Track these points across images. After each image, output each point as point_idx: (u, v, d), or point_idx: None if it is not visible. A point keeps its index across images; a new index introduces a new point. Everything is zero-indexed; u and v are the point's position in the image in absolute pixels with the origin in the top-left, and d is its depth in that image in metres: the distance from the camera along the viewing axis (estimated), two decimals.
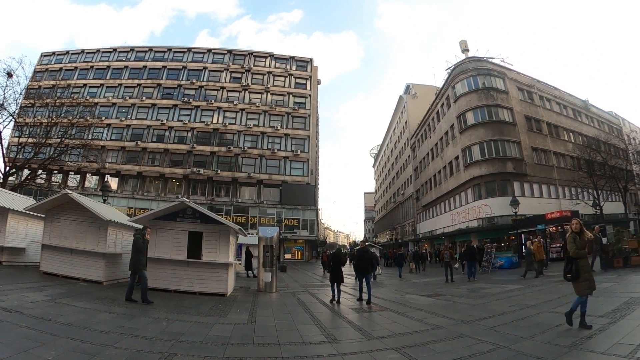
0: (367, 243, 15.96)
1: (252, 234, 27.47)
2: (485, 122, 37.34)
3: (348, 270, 22.54)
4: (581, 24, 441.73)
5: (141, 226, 11.95)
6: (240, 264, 20.80)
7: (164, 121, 47.55)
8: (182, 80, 50.63)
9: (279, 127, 48.21)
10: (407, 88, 64.90)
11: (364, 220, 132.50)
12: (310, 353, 5.89)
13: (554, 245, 27.12)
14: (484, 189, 36.55)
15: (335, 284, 11.75)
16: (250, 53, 53.91)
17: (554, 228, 28.50)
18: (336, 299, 11.65)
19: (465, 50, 45.10)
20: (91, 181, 45.85)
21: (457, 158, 40.29)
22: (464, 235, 38.62)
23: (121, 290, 10.78)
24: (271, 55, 54.07)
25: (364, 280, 12.01)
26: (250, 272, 20.98)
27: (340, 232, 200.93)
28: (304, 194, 46.44)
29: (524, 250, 23.95)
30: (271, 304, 11.25)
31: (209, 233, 12.38)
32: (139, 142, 46.75)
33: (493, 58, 41.74)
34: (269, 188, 46.45)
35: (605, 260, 16.50)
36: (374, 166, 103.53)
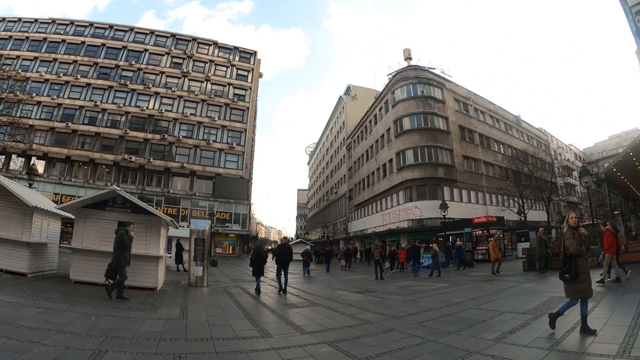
0: (299, 240, 16.79)
1: (183, 227, 27.07)
2: (420, 128, 39.07)
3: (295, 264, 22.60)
4: (520, 49, 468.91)
5: (125, 220, 11.42)
6: (170, 257, 20.33)
7: (98, 103, 44.30)
8: (120, 60, 47.49)
9: (216, 118, 47.05)
10: (348, 89, 66.28)
11: (296, 217, 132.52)
12: (245, 348, 5.91)
13: (479, 248, 29.09)
14: (415, 192, 38.10)
15: (257, 277, 13.27)
16: (194, 39, 52.13)
17: (479, 232, 30.46)
18: (259, 290, 12.78)
19: (408, 58, 46.73)
20: (16, 163, 41.98)
21: (391, 161, 41.76)
22: (394, 235, 40.24)
23: (47, 283, 10.56)
24: (215, 43, 52.62)
25: (282, 271, 13.50)
26: (180, 265, 20.46)
27: (272, 227, 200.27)
28: (237, 188, 45.81)
29: (453, 250, 25.72)
30: (203, 299, 11.20)
31: (140, 224, 11.92)
32: (70, 124, 43.35)
33: (434, 69, 43.72)
34: (202, 180, 45.25)
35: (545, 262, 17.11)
36: (308, 163, 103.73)
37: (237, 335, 6.78)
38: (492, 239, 19.29)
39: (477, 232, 30.61)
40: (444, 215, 26.80)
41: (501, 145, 47.89)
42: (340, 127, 64.91)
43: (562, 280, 6.24)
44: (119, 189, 12.02)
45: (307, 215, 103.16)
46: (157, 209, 37.26)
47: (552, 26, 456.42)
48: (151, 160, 43.36)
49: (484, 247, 28.67)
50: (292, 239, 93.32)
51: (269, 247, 66.07)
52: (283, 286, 13.15)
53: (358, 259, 39.74)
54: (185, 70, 48.43)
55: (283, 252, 13.82)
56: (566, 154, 73.28)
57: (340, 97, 66.22)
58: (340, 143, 64.37)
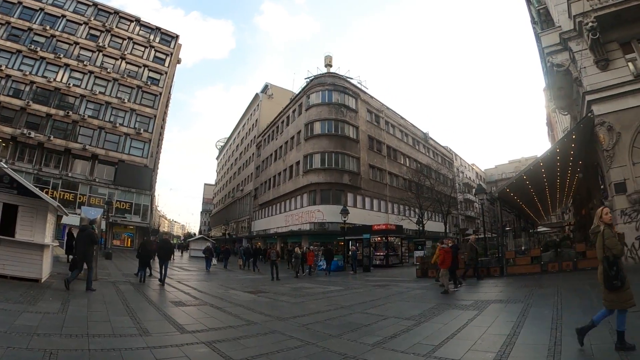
0: (200, 236, 17.82)
1: (78, 214, 25.42)
2: (331, 134, 40.82)
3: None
4: (439, 74, 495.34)
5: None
6: (59, 246, 18.99)
7: (3, 67, 39.00)
8: (35, 23, 42.18)
9: (126, 100, 44.29)
10: (265, 87, 66.48)
11: (201, 212, 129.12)
12: (119, 346, 5.83)
13: (378, 254, 31.12)
14: (319, 196, 39.61)
15: (143, 268, 15.50)
16: (117, 12, 48.49)
17: (378, 238, 32.49)
18: (143, 280, 15.04)
19: (328, 65, 48.02)
20: None
21: (298, 163, 43.03)
22: (295, 236, 41.44)
23: None
24: (137, 20, 49.66)
25: (163, 265, 15.37)
26: (72, 256, 19.69)
27: (175, 221, 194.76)
28: (140, 177, 43.83)
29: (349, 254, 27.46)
30: (88, 293, 10.77)
31: (26, 208, 11.20)
32: None
33: (352, 78, 45.84)
34: (104, 165, 42.20)
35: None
36: (217, 158, 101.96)
37: (114, 332, 6.71)
38: (438, 243, 19.29)
39: (376, 239, 32.51)
40: (345, 220, 28.01)
41: (407, 159, 51.61)
42: (253, 125, 65.06)
43: (611, 289, 5.19)
44: (6, 166, 11.21)
45: (212, 211, 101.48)
46: (53, 193, 35.71)
47: (472, 59, 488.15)
48: (52, 138, 39.27)
49: (381, 253, 30.90)
50: (194, 234, 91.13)
51: (173, 241, 64.12)
52: (162, 277, 14.88)
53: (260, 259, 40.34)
54: (101, 44, 44.54)
55: (163, 247, 15.97)
56: (468, 173, 79.31)
57: (257, 95, 66.33)
58: (251, 141, 64.56)
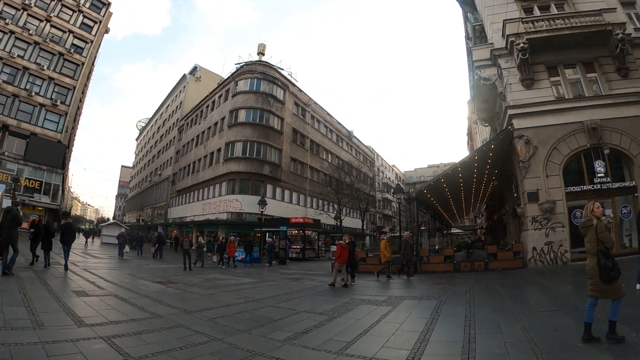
0: (114, 221, 16.68)
1: None
2: (255, 123, 39.84)
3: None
4: (370, 75, 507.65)
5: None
6: None
7: None
8: None
9: (45, 67, 38.91)
10: (194, 69, 64.01)
11: (116, 196, 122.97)
12: (9, 340, 5.25)
13: (294, 247, 31.02)
14: (238, 185, 38.56)
15: (47, 252, 14.40)
16: None
17: (296, 231, 32.32)
18: (49, 264, 14.27)
19: (261, 53, 46.78)
20: None
21: (219, 150, 41.64)
22: (212, 226, 40.28)
23: None
24: None
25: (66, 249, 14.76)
26: None
27: (89, 204, 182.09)
28: (53, 153, 38.91)
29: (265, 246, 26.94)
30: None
31: None
32: None
33: (283, 69, 45.14)
34: (14, 137, 36.67)
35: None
36: (137, 139, 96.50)
37: (6, 324, 6.06)
38: (384, 237, 18.54)
39: (293, 232, 32.37)
40: (262, 212, 27.40)
41: (330, 154, 51.83)
42: (177, 107, 62.19)
43: (607, 281, 5.23)
44: None
45: (128, 196, 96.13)
46: None
47: (405, 66, 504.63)
48: None
49: (298, 246, 30.70)
50: (108, 219, 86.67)
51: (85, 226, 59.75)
52: (66, 263, 14.33)
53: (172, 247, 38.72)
54: (27, 2, 38.47)
55: (65, 232, 15.26)
56: (388, 173, 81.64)
57: (184, 76, 63.39)
58: (174, 123, 61.52)
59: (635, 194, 16.46)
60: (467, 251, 17.86)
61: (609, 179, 16.55)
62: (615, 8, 18.34)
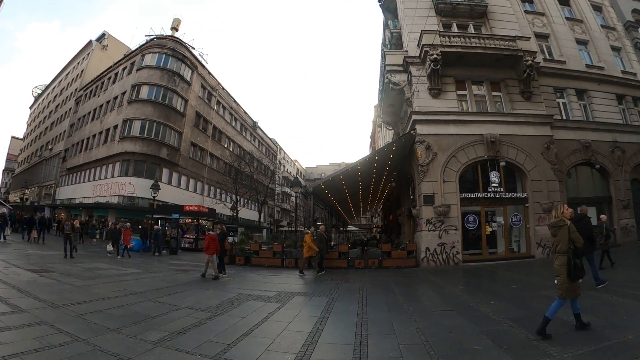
0: None
1: None
2: (157, 102, 37.15)
3: None
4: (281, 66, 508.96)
5: None
6: None
7: None
8: None
9: None
10: (102, 36, 57.43)
11: (2, 171, 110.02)
12: None
13: (187, 236, 29.35)
14: (132, 167, 35.75)
15: None
16: None
17: (189, 220, 30.67)
18: None
19: (174, 28, 44.24)
20: None
21: (116, 127, 38.02)
22: (102, 209, 36.70)
23: None
24: None
25: None
26: None
27: None
28: None
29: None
30: None
31: None
32: None
33: (194, 48, 42.85)
34: None
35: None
36: (31, 107, 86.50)
37: None
38: (309, 231, 16.83)
39: (186, 220, 30.73)
40: (154, 196, 25.53)
41: (232, 143, 50.10)
42: (77, 76, 55.63)
43: (574, 280, 5.51)
44: None
45: (15, 171, 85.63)
46: None
47: (317, 63, 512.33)
48: None
49: (191, 236, 29.15)
50: None
51: None
52: None
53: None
54: None
55: None
56: (290, 167, 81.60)
57: (90, 42, 56.22)
58: (72, 93, 54.78)
59: (526, 205, 17.87)
60: (362, 248, 18.30)
61: (502, 189, 17.66)
62: (530, 38, 20.00)
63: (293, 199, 71.05)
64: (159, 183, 27.17)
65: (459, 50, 17.87)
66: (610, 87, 22.48)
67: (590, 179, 20.76)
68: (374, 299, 9.31)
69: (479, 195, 17.51)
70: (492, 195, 17.49)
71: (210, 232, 13.86)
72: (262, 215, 45.21)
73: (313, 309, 8.26)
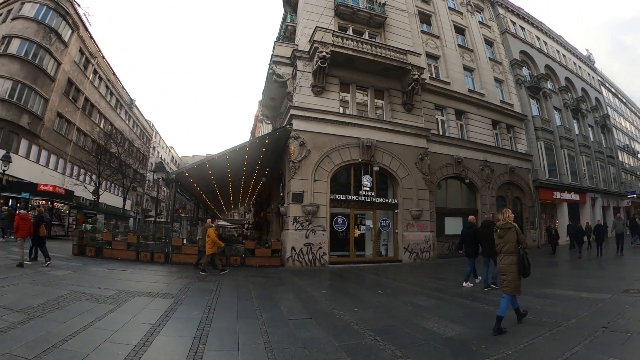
0: None
1: None
2: (27, 60, 32.64)
3: None
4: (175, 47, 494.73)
5: None
6: None
7: None
8: None
9: None
10: None
11: None
12: None
13: (55, 222, 27.49)
14: None
15: None
16: None
17: (43, 201, 27.57)
18: None
19: None
20: None
21: None
22: None
23: None
24: None
25: None
26: None
27: None
28: None
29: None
30: None
31: None
32: None
33: (79, 6, 38.78)
34: None
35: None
36: None
37: None
38: (212, 224, 15.01)
39: (39, 201, 27.38)
40: (4, 170, 22.49)
41: (103, 119, 45.90)
42: None
43: (524, 276, 6.10)
44: None
45: None
46: None
47: (208, 52, 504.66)
48: None
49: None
50: None
51: None
52: None
53: None
54: None
55: None
56: (164, 154, 77.80)
57: None
58: None
59: (396, 211, 18.70)
60: (226, 245, 17.13)
61: (373, 194, 18.29)
62: (421, 55, 21.19)
63: (164, 188, 68.17)
64: (13, 155, 24.33)
65: (350, 52, 18.15)
66: (488, 112, 24.68)
67: (459, 192, 22.64)
68: (225, 302, 8.50)
69: (350, 197, 17.89)
70: (363, 198, 18.02)
71: (22, 211, 12.14)
72: (130, 203, 42.15)
73: (151, 313, 7.18)
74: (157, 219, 48.26)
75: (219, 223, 42.76)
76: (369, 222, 18.30)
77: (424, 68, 20.78)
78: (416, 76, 19.28)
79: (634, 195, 39.63)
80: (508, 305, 6.09)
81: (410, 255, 18.31)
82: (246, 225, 38.33)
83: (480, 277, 10.89)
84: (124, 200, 40.22)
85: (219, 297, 8.98)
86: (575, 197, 30.71)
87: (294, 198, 16.77)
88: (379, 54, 18.86)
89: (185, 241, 17.64)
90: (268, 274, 13.79)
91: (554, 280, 11.58)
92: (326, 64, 17.64)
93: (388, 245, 18.98)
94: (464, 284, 10.73)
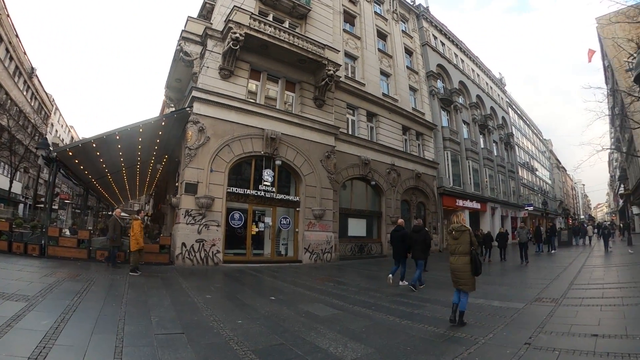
0: None
1: None
2: None
3: None
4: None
5: None
6: None
7: None
8: None
9: None
10: None
11: None
12: None
13: None
14: None
15: None
16: None
17: None
18: None
19: None
20: None
21: None
22: None
23: None
24: None
25: None
26: None
27: None
28: None
29: None
30: None
31: None
32: None
33: None
34: None
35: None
36: None
37: None
38: (138, 216, 13.23)
39: None
40: None
41: None
42: None
43: (477, 275, 6.36)
44: None
45: None
46: None
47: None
48: None
49: None
50: None
51: None
52: None
53: None
54: None
55: None
56: (63, 134, 70.70)
57: None
58: None
59: (298, 209, 17.60)
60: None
61: (274, 189, 17.05)
62: (339, 51, 20.26)
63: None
64: None
65: (265, 38, 16.71)
66: (399, 117, 24.51)
67: (364, 194, 22.03)
68: (87, 308, 6.72)
69: (249, 192, 16.46)
70: (263, 194, 16.71)
71: None
72: (21, 186, 36.92)
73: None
74: (55, 207, 42.95)
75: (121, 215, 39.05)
76: (268, 220, 17.02)
77: (340, 65, 19.91)
78: (331, 72, 18.38)
79: (531, 207, 41.82)
80: (467, 300, 6.40)
81: (311, 255, 17.31)
82: (146, 217, 35.44)
83: (405, 281, 10.82)
84: (11, 182, 34.41)
85: (83, 301, 7.16)
86: (476, 205, 31.86)
87: (187, 188, 14.93)
88: (296, 44, 17.65)
89: (67, 232, 15.36)
90: (152, 273, 11.85)
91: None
92: (238, 47, 16.02)
93: (288, 245, 17.83)
94: (400, 282, 10.73)
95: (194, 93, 15.70)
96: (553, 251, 22.96)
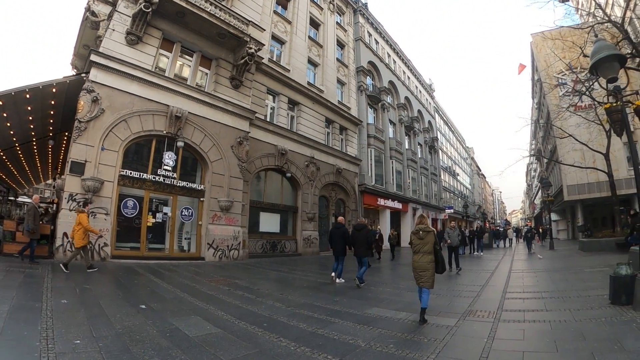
0: None
1: None
2: None
3: None
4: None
5: None
6: None
7: None
8: None
9: None
10: None
11: None
12: None
13: None
14: None
15: None
16: None
17: None
18: None
19: None
20: None
21: None
22: None
23: None
24: None
25: None
26: None
27: None
28: None
29: None
30: None
31: None
32: None
33: None
34: None
35: None
36: None
37: None
38: (84, 209, 10.85)
39: None
40: None
41: None
42: None
43: (441, 272, 6.53)
44: None
45: None
46: None
47: None
48: None
49: None
50: None
51: None
52: None
53: None
54: None
55: None
56: None
57: None
58: None
59: (202, 199, 15.64)
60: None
61: (176, 175, 14.91)
62: (265, 30, 18.33)
63: None
64: None
65: (183, 4, 14.35)
66: (324, 109, 23.18)
67: (279, 187, 20.45)
68: None
69: (146, 176, 14.09)
70: (163, 179, 14.42)
71: None
72: None
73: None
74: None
75: (21, 199, 34.42)
76: (167, 210, 14.78)
77: (264, 45, 17.95)
78: (252, 50, 16.41)
79: (451, 210, 42.42)
80: (428, 297, 6.35)
81: (215, 252, 15.22)
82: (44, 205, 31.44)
83: (342, 279, 10.72)
84: None
85: None
86: (398, 205, 31.44)
87: (73, 168, 12.37)
88: (217, 15, 15.45)
89: None
90: (21, 267, 9.49)
91: (380, 295, 8.88)
92: (150, 10, 13.57)
93: (191, 240, 15.66)
94: (337, 280, 10.59)
95: (92, 57, 13.03)
96: (481, 253, 22.40)
